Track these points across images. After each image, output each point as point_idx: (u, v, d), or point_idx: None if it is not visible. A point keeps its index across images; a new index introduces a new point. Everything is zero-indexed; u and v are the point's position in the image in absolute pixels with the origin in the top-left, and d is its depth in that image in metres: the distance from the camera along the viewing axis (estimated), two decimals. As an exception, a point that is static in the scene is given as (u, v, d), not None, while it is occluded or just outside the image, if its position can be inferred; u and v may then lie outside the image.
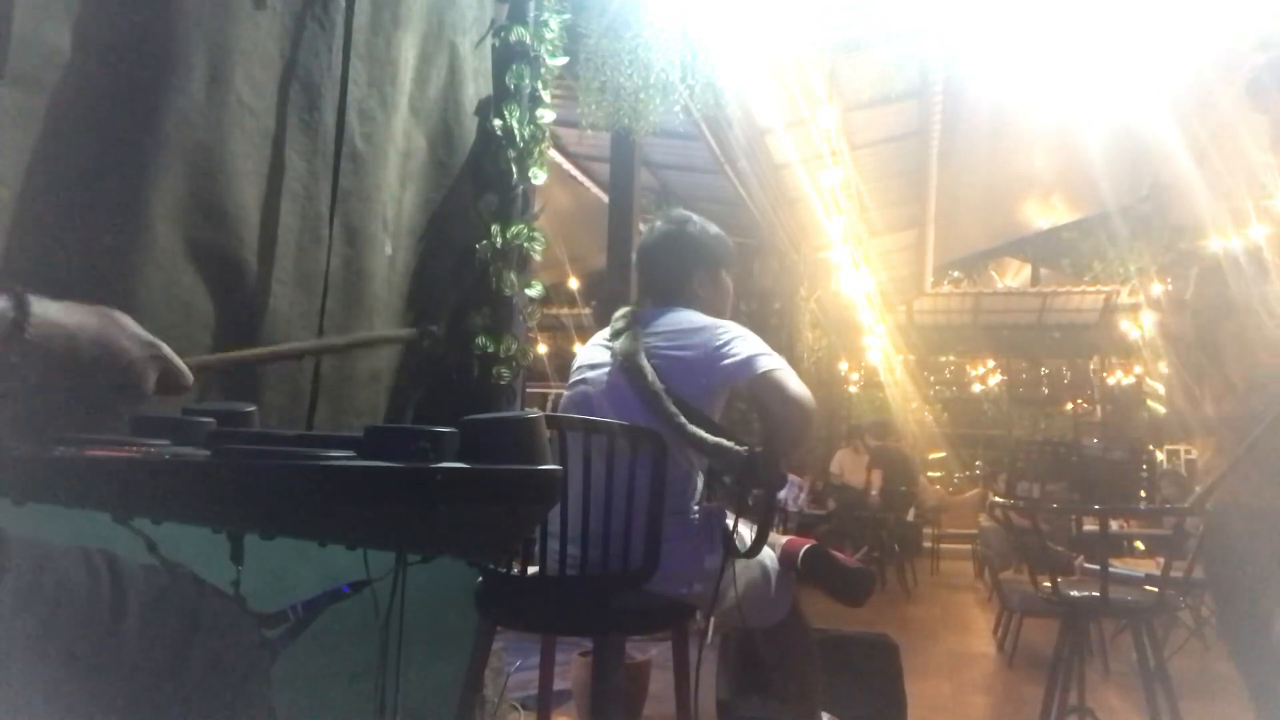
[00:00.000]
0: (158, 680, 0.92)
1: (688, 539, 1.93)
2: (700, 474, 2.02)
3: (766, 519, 1.96)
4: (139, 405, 0.92)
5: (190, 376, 0.95)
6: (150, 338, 0.92)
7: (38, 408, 0.83)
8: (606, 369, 2.06)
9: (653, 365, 1.95)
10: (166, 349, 0.93)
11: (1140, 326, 9.96)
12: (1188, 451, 11.44)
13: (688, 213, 2.27)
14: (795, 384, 1.91)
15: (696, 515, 1.98)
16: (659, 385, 1.91)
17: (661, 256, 2.18)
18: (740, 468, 1.87)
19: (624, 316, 2.12)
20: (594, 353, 2.14)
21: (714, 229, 2.22)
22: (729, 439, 1.89)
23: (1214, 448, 2.58)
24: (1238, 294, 2.58)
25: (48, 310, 0.81)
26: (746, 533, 1.98)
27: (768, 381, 1.90)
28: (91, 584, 0.92)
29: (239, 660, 1.01)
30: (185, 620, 0.97)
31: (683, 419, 1.88)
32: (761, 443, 1.90)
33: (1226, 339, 2.54)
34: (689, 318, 2.07)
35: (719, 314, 2.14)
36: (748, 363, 1.93)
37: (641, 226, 3.88)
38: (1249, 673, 2.39)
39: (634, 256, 2.24)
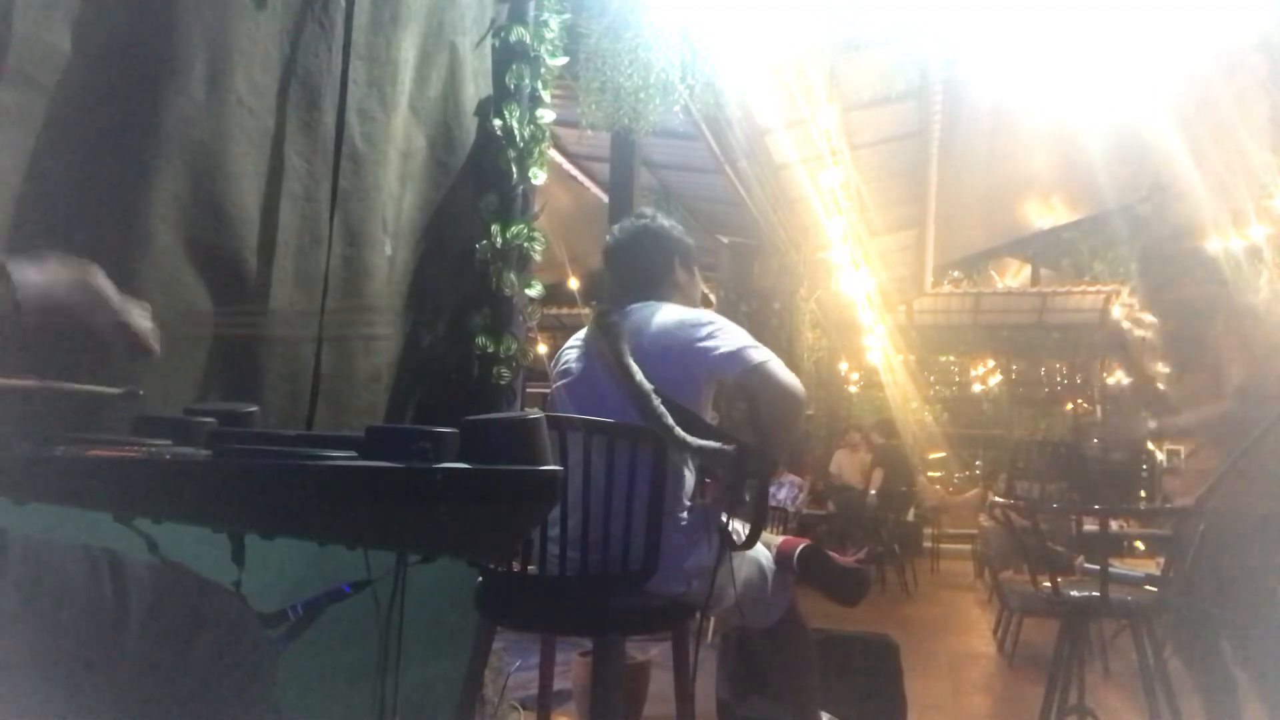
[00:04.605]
0: (161, 677, 0.92)
1: (682, 536, 1.93)
2: (692, 471, 2.00)
3: (760, 510, 1.95)
4: (107, 361, 1.00)
5: (156, 348, 1.02)
6: (119, 301, 0.99)
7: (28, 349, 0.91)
8: (592, 368, 2.04)
9: (639, 363, 1.93)
10: (134, 314, 0.99)
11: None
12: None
13: (648, 209, 2.31)
14: (785, 375, 1.91)
15: (689, 512, 1.97)
16: (648, 386, 1.89)
17: (638, 253, 2.19)
18: (730, 465, 1.87)
19: (604, 314, 2.10)
20: (577, 352, 2.13)
21: (673, 221, 2.25)
22: (717, 438, 1.88)
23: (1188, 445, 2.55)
24: (1228, 293, 2.56)
25: (26, 271, 0.90)
26: (740, 528, 1.98)
27: (758, 374, 1.90)
28: (93, 583, 0.93)
29: (243, 657, 1.01)
30: (189, 618, 0.98)
31: (670, 420, 1.86)
32: (754, 434, 1.90)
33: (1215, 339, 2.52)
34: (670, 311, 2.06)
35: (693, 301, 2.19)
36: (736, 355, 1.92)
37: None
38: (1205, 680, 2.38)
39: (604, 258, 2.24)
